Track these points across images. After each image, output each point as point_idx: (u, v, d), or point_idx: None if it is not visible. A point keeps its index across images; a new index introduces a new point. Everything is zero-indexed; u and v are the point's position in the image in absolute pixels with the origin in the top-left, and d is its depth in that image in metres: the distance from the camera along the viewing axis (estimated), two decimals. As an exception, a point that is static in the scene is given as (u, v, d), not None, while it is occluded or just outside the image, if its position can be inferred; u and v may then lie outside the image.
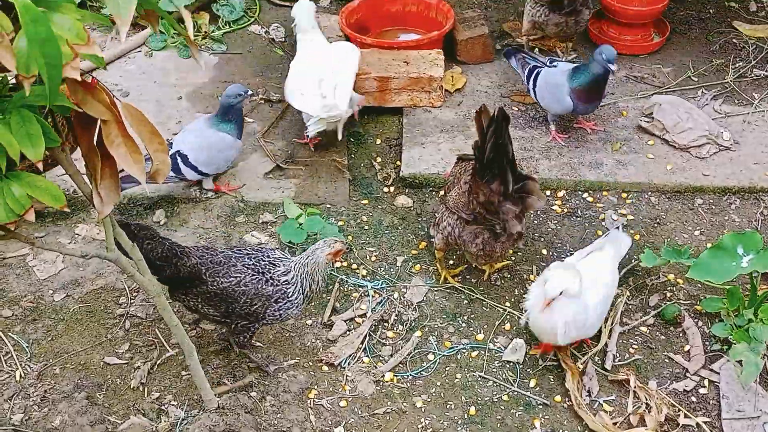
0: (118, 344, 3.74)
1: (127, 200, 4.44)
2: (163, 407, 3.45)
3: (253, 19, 5.91)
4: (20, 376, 3.60)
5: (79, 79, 2.05)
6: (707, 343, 3.75)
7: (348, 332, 3.80)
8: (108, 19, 2.50)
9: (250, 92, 4.47)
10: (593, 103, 4.71)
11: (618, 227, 4.17)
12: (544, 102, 4.80)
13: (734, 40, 5.73)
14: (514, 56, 5.02)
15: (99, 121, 2.37)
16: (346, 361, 3.68)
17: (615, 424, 3.41)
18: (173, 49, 5.62)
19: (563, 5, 5.12)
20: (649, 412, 3.43)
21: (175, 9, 5.52)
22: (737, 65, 5.47)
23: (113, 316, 3.87)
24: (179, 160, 4.28)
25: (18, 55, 1.93)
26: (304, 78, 4.64)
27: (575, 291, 3.36)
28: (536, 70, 4.79)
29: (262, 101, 5.18)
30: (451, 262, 4.17)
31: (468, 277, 4.09)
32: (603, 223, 4.38)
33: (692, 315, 3.88)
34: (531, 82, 4.80)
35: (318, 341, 3.78)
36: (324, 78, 4.59)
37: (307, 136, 4.66)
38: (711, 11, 6.07)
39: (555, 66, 4.81)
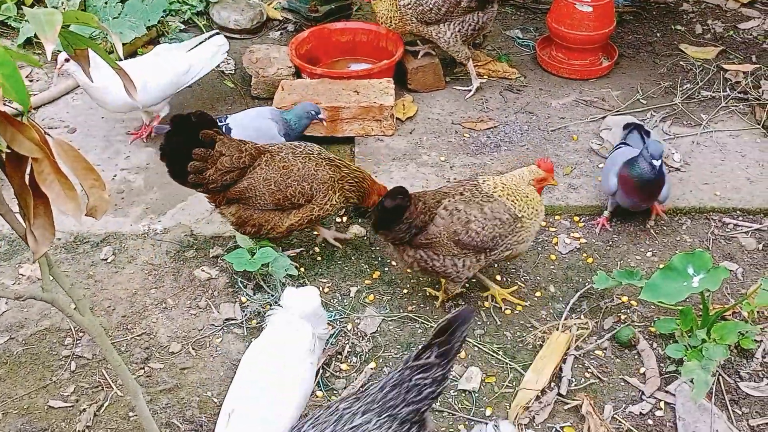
0: (64, 387, 3.64)
1: (74, 238, 4.36)
2: (110, 451, 3.36)
3: (202, 52, 5.86)
4: (-39, 423, 3.47)
5: (3, 108, 1.98)
6: (662, 364, 3.74)
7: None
8: (37, 62, 2.45)
9: (321, 115, 4.67)
10: (632, 198, 4.31)
11: None
12: (601, 177, 4.57)
13: (681, 63, 5.82)
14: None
15: (30, 159, 2.31)
16: (299, 397, 3.60)
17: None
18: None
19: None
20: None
21: (120, 41, 5.49)
22: (685, 87, 5.55)
23: (59, 358, 3.77)
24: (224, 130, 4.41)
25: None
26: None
27: None
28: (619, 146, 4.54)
29: (212, 134, 5.11)
30: (404, 291, 4.13)
31: (422, 305, 4.05)
32: (556, 247, 4.37)
33: (647, 336, 3.87)
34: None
35: (270, 376, 3.70)
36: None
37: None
38: (658, 34, 6.16)
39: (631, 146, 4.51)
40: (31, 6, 5.59)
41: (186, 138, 3.87)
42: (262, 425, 2.98)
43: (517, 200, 3.80)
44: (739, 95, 5.45)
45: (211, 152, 3.89)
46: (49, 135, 2.38)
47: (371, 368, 3.72)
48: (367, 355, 3.79)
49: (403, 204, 3.71)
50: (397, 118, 5.18)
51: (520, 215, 3.79)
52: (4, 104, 2.06)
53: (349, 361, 3.77)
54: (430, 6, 5.23)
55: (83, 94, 5.44)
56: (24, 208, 2.41)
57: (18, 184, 2.39)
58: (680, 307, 3.75)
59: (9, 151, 2.28)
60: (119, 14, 5.76)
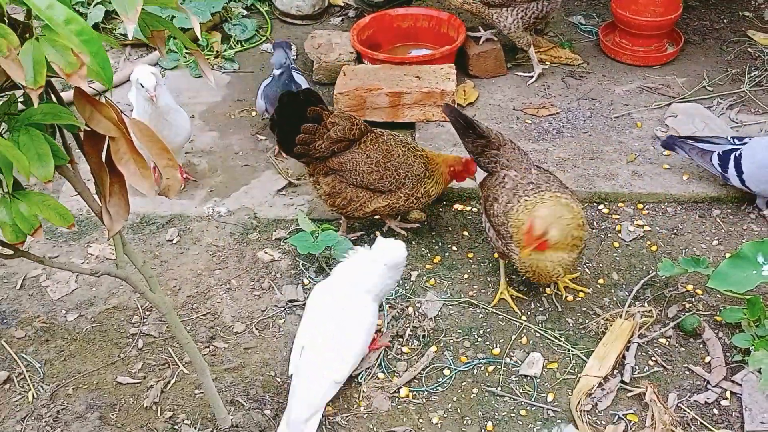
0: (131, 363, 3.72)
1: (140, 219, 4.44)
2: (176, 426, 3.42)
3: (264, 38, 5.93)
4: (33, 396, 3.58)
5: (86, 88, 2.04)
6: (728, 354, 3.68)
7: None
8: (115, 41, 2.50)
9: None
10: None
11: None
12: (762, 186, 4.29)
13: (749, 50, 5.69)
14: (681, 147, 4.51)
15: (107, 138, 2.36)
16: (361, 377, 3.63)
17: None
18: (185, 69, 5.64)
19: None
20: (653, 427, 3.36)
21: (190, 27, 5.57)
22: (752, 74, 5.42)
23: (126, 336, 3.86)
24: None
25: (25, 68, 1.93)
26: None
27: None
28: (732, 153, 4.30)
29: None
30: (465, 276, 4.13)
31: (483, 290, 4.04)
32: (619, 235, 4.32)
33: (712, 326, 3.81)
34: (733, 170, 4.28)
35: (332, 358, 3.73)
36: None
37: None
38: (725, 21, 6.03)
39: (746, 143, 4.34)
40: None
41: (294, 113, 4.06)
42: (330, 360, 3.37)
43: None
44: (810, 82, 5.32)
45: (317, 127, 4.05)
46: (126, 115, 2.44)
47: (432, 351, 3.74)
48: (429, 339, 3.80)
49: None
50: (458, 104, 5.16)
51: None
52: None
53: (410, 344, 3.78)
54: None
55: (149, 78, 5.54)
56: (100, 186, 2.47)
57: (95, 162, 2.46)
58: (748, 297, 3.69)
59: (87, 129, 2.34)
60: (184, 0, 5.84)
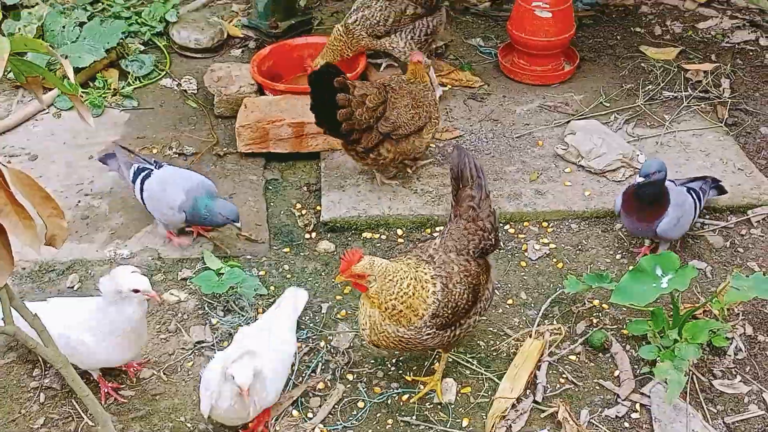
0: (33, 419, 3.56)
1: (39, 267, 4.28)
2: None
3: (164, 73, 5.83)
4: (-72, 463, 3.39)
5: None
6: (636, 366, 3.74)
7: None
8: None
9: (237, 224, 4.27)
10: (630, 218, 4.14)
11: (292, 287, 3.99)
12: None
13: (642, 64, 5.86)
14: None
15: (-16, 191, 2.26)
16: (273, 418, 3.56)
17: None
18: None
19: None
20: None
21: (84, 66, 5.43)
22: (647, 88, 5.59)
23: (27, 390, 3.69)
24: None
25: None
26: None
27: (260, 369, 3.22)
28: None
29: (176, 155, 5.07)
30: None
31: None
32: (526, 254, 4.37)
33: (619, 339, 3.87)
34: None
35: (244, 398, 3.65)
36: None
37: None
38: (618, 37, 6.21)
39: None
40: (-13, 33, 5.53)
41: (325, 91, 4.34)
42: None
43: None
44: (701, 94, 5.50)
45: (350, 96, 4.33)
46: (3, 165, 2.34)
47: (345, 385, 3.69)
48: (342, 372, 3.76)
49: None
50: (363, 131, 5.15)
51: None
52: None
53: (323, 377, 3.73)
54: (377, 19, 5.27)
55: (43, 120, 5.38)
56: (-20, 241, 2.36)
57: (-27, 217, 2.34)
58: (651, 308, 3.76)
59: (-38, 182, 2.24)
60: (77, 38, 5.70)
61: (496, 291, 4.13)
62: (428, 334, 3.35)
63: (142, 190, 4.37)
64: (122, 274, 3.42)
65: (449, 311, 3.35)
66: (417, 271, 3.34)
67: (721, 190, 4.52)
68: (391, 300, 3.26)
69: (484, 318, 3.81)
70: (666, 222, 4.08)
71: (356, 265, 3.23)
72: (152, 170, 4.41)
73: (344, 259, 3.25)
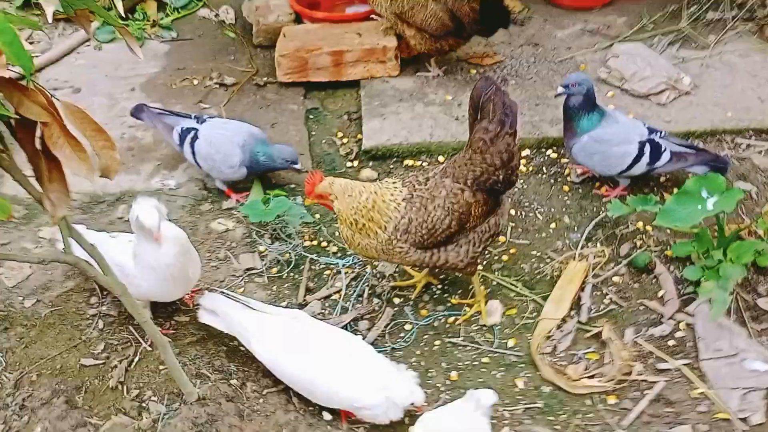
0: (93, 345, 3.69)
1: (90, 198, 4.38)
2: (143, 404, 3.42)
3: (202, 4, 5.82)
4: (-4, 386, 3.55)
5: (8, 75, 2.00)
6: (680, 287, 3.77)
7: (322, 311, 3.79)
8: (37, 24, 2.44)
9: (297, 165, 4.26)
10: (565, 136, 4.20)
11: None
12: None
13: (686, -16, 5.72)
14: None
15: (39, 124, 2.32)
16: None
17: (591, 377, 3.43)
18: (122, 41, 5.51)
19: None
20: (612, 364, 3.45)
21: None
22: (691, 10, 5.46)
23: (86, 317, 3.82)
24: None
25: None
26: None
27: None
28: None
29: (216, 86, 5.11)
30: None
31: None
32: (569, 178, 4.37)
33: (663, 261, 3.89)
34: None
35: (294, 322, 3.75)
36: None
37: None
38: (661, -44, 6.05)
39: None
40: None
41: None
42: None
43: None
44: (747, 14, 5.36)
45: None
46: (56, 98, 2.39)
47: (393, 308, 3.77)
48: (388, 296, 3.84)
49: None
50: (402, 58, 5.13)
51: None
52: (8, 69, 2.08)
53: (371, 303, 3.81)
54: None
55: (84, 53, 5.43)
56: (38, 173, 2.43)
57: (30, 150, 2.41)
58: (696, 230, 3.77)
59: (18, 117, 2.30)
60: (115, -29, 5.69)
61: (540, 215, 4.16)
62: (401, 248, 3.45)
63: (193, 152, 4.29)
64: (135, 209, 3.30)
65: (424, 231, 3.41)
66: (381, 188, 3.45)
67: (721, 171, 4.03)
68: (352, 215, 3.40)
69: (487, 253, 3.89)
70: (577, 147, 4.09)
71: (318, 185, 3.40)
72: (197, 130, 4.31)
73: (307, 182, 3.43)
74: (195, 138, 4.28)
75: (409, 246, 3.44)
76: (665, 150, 4.05)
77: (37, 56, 5.33)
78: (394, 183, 3.51)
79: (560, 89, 4.06)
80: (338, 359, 3.26)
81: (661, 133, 4.13)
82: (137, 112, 4.57)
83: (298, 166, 4.25)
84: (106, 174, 2.46)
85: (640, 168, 4.08)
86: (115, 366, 3.57)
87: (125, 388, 3.49)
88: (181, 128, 4.34)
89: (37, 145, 2.34)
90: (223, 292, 3.55)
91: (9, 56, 1.94)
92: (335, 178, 3.47)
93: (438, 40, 4.81)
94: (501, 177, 3.49)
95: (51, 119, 2.27)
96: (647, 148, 4.04)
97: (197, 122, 4.37)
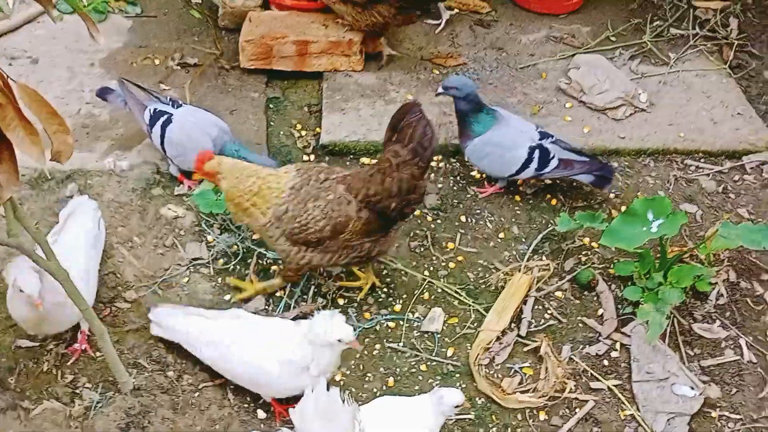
0: (31, 326, 3.66)
1: (38, 174, 4.31)
2: (77, 390, 3.41)
3: (168, -21, 5.72)
4: (-73, 363, 3.50)
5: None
6: (620, 306, 3.84)
7: (266, 307, 3.79)
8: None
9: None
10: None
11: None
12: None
13: (653, -1, 5.77)
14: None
15: (-8, 105, 2.29)
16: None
17: (525, 391, 3.49)
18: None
19: None
20: (546, 380, 3.52)
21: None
22: (655, 24, 5.51)
23: (25, 297, 3.78)
24: None
25: None
26: None
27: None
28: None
29: (178, 67, 5.05)
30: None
31: (387, 246, 4.10)
32: (521, 188, 4.41)
33: (606, 279, 3.96)
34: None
35: (236, 316, 3.75)
36: None
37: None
38: (630, -32, 6.09)
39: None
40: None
41: None
42: None
43: None
44: (708, 34, 5.43)
45: None
46: (12, 80, 2.36)
47: (336, 310, 3.79)
48: (333, 295, 3.85)
49: None
50: (366, 53, 5.12)
51: None
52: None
53: (315, 302, 3.82)
54: None
55: (45, 23, 5.32)
56: (-12, 154, 2.40)
57: (-20, 131, 2.38)
58: (639, 250, 3.83)
59: (-31, 97, 2.26)
60: (81, -61, 5.58)
61: (489, 223, 4.20)
62: (271, 234, 3.53)
63: (162, 136, 4.20)
64: (12, 271, 3.16)
65: (297, 225, 3.48)
66: (270, 173, 3.54)
67: (603, 182, 4.24)
68: (237, 196, 3.49)
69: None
70: (470, 149, 4.23)
71: (207, 163, 3.50)
72: (171, 114, 4.22)
73: (197, 159, 3.53)
74: (168, 122, 4.20)
75: (280, 234, 3.51)
76: (553, 157, 4.15)
77: (-8, 25, 5.22)
78: (286, 171, 3.58)
79: (440, 89, 4.22)
80: (271, 341, 3.31)
81: (551, 138, 4.23)
82: (104, 93, 4.47)
83: None
84: (57, 158, 2.45)
85: (529, 173, 4.19)
86: (51, 349, 3.55)
87: (60, 372, 3.48)
88: (154, 109, 4.26)
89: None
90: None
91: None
92: (225, 157, 3.60)
93: (366, 9, 4.77)
94: (394, 205, 3.51)
95: (5, 101, 2.24)
96: (536, 154, 4.14)
97: (172, 106, 4.30)
